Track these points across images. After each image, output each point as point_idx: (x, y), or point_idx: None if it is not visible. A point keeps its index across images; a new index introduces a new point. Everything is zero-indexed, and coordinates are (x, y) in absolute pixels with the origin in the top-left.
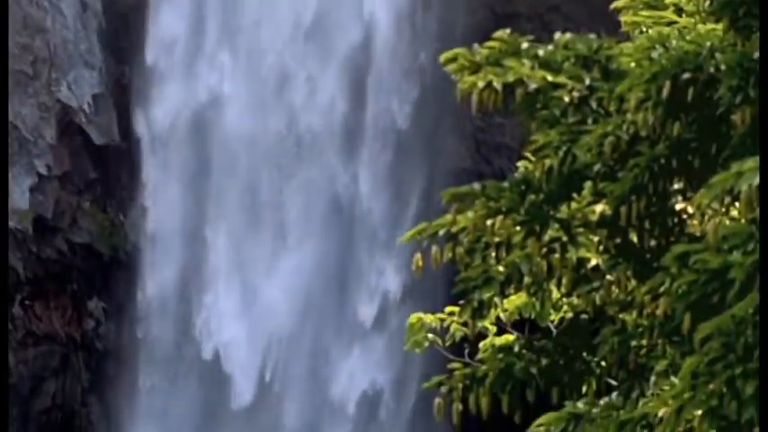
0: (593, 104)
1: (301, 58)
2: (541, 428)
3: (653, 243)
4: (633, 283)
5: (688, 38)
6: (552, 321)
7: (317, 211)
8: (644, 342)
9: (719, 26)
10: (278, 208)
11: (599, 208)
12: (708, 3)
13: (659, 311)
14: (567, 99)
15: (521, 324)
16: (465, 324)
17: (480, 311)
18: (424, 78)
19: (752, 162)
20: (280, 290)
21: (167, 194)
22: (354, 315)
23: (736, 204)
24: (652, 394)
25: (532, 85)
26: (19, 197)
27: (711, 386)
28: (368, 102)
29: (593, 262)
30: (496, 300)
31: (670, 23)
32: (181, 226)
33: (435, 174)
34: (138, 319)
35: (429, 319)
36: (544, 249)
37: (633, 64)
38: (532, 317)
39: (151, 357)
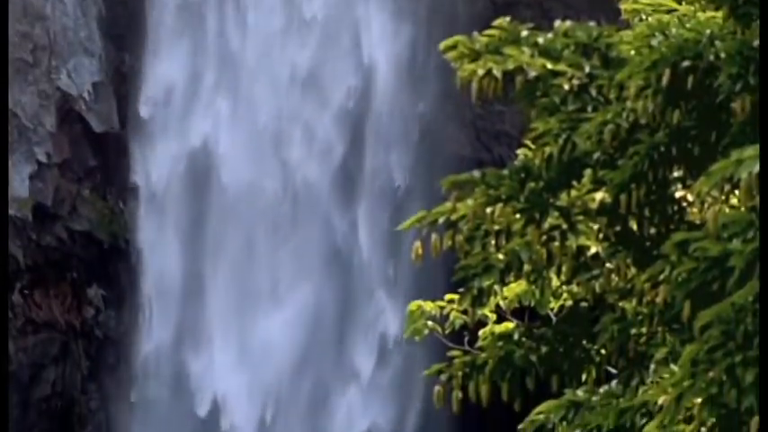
0: (593, 92)
1: (299, 106)
2: (541, 416)
3: (653, 231)
4: (633, 270)
5: (688, 26)
6: (552, 309)
7: (315, 262)
8: (644, 330)
9: (719, 14)
10: (275, 258)
11: (599, 196)
12: None
13: (659, 299)
14: (566, 87)
15: (520, 312)
16: (465, 312)
17: (480, 299)
18: (424, 126)
19: (751, 150)
20: (277, 340)
21: (164, 250)
22: (353, 364)
23: (736, 192)
24: (652, 382)
25: (532, 73)
26: (19, 185)
27: (711, 374)
28: (366, 150)
29: (593, 250)
30: (496, 287)
31: (670, 11)
32: (178, 280)
33: None
34: (132, 381)
35: (429, 306)
36: (544, 237)
37: (633, 52)
38: (532, 305)
39: (146, 418)
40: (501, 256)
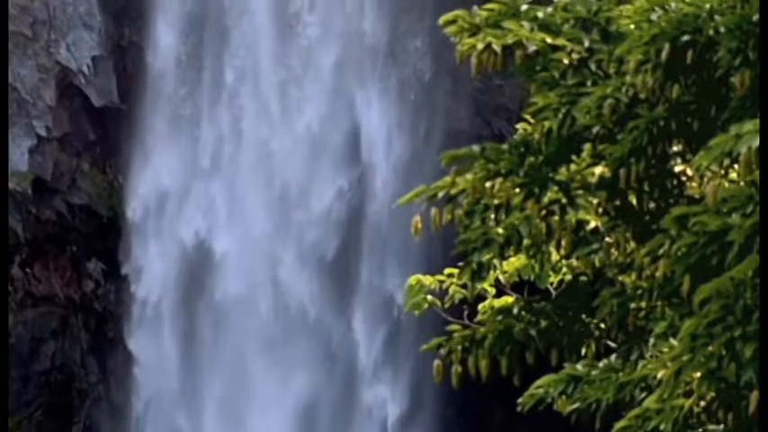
0: (593, 67)
1: (292, 214)
2: (540, 390)
3: (652, 205)
4: (632, 245)
5: (687, 0)
6: (551, 283)
7: (311, 363)
8: (643, 304)
9: None
10: (269, 370)
11: (598, 170)
12: None
13: (658, 273)
14: (566, 61)
15: (520, 286)
16: (464, 286)
17: (479, 273)
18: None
19: (751, 125)
20: None
21: (157, 362)
22: None
23: (736, 167)
24: (651, 356)
25: (532, 48)
26: (18, 159)
27: (710, 348)
28: (363, 258)
29: (593, 224)
30: (496, 262)
31: None
32: (172, 395)
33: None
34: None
35: (428, 281)
36: (543, 211)
37: (632, 26)
38: (532, 279)
39: None
40: (500, 231)
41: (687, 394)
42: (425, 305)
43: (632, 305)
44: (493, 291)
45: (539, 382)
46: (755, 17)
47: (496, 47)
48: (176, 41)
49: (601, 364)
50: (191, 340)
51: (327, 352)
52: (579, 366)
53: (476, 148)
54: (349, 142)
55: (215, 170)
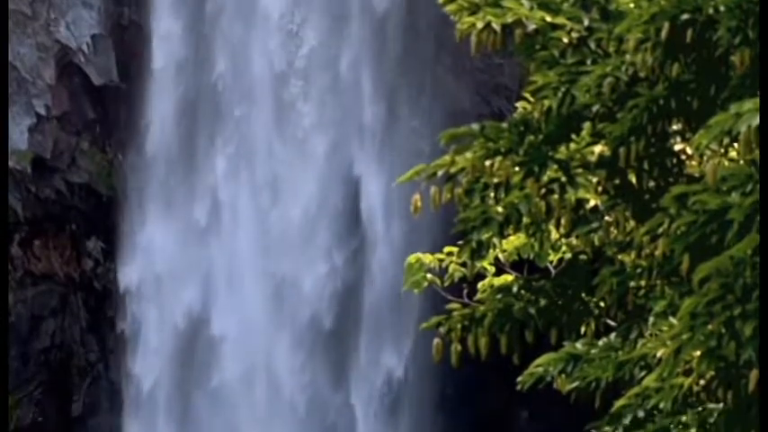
0: (592, 45)
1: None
2: (540, 369)
3: (652, 184)
4: (632, 223)
5: None
6: (551, 262)
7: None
8: (642, 283)
9: None
10: None
11: (598, 149)
12: None
13: (658, 252)
14: (565, 40)
15: (519, 265)
16: (464, 264)
17: (479, 252)
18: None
19: (751, 104)
20: None
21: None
22: None
23: (735, 145)
24: (651, 335)
25: (531, 26)
26: (18, 137)
27: (710, 327)
28: (361, 339)
29: (592, 203)
30: (495, 240)
31: None
32: None
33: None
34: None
35: (428, 259)
36: (543, 190)
37: (632, 5)
38: (531, 257)
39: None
40: (500, 209)
41: (687, 373)
42: (425, 283)
43: (632, 284)
44: (492, 269)
45: (538, 360)
46: None
47: (496, 26)
48: (175, 26)
49: (600, 343)
50: (186, 423)
51: (324, 429)
52: (579, 345)
53: (475, 126)
54: (346, 217)
55: (210, 248)
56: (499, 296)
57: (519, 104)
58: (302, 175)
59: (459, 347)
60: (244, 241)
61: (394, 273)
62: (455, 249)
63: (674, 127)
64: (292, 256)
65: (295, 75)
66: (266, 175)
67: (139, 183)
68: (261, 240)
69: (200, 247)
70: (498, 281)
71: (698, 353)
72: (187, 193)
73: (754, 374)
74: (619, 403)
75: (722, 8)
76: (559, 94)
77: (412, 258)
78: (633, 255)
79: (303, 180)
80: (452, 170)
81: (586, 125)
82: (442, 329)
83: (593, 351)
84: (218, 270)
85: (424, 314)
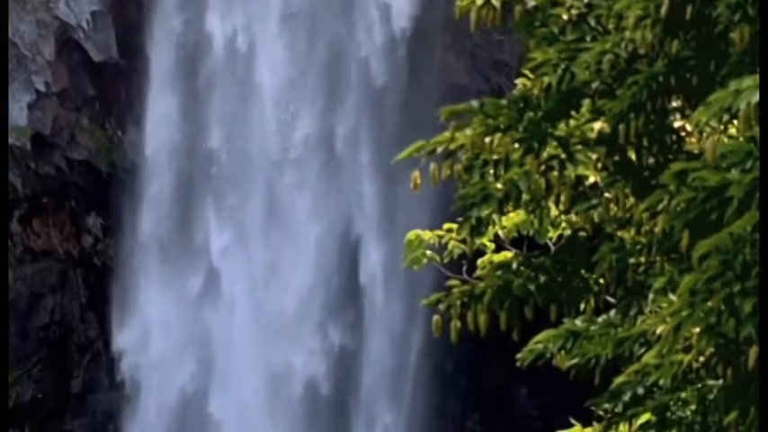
0: (592, 22)
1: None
2: (539, 345)
3: (651, 161)
4: (631, 200)
5: None
6: (551, 239)
7: None
8: (642, 259)
9: None
10: None
11: (597, 125)
12: None
13: (657, 229)
14: (565, 17)
15: (519, 241)
16: (463, 241)
17: (479, 228)
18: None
19: (750, 80)
20: None
21: None
22: None
23: (735, 122)
24: (650, 312)
25: (531, 3)
26: (17, 114)
27: (709, 303)
28: (360, 413)
29: (592, 179)
30: (495, 217)
31: None
32: None
33: None
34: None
35: (427, 236)
36: (542, 167)
37: None
38: (531, 234)
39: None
40: (499, 186)
41: (686, 349)
42: (424, 260)
43: (631, 260)
44: (492, 246)
45: (538, 337)
46: None
47: (496, 2)
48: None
49: (600, 320)
50: None
51: None
52: (578, 322)
53: (475, 103)
54: (342, 292)
55: (206, 331)
56: (499, 273)
57: (518, 81)
58: (298, 259)
59: (458, 324)
60: (239, 327)
61: (393, 340)
62: (454, 226)
63: (674, 104)
64: (288, 338)
65: (290, 164)
66: (262, 258)
67: (134, 262)
68: (256, 324)
69: (195, 328)
70: (498, 257)
71: (697, 330)
72: (182, 275)
73: (753, 351)
74: (618, 380)
75: None
76: (559, 71)
77: (411, 235)
78: (633, 231)
79: (299, 263)
80: (452, 147)
81: (586, 102)
82: (441, 306)
83: (592, 328)
84: (214, 352)
85: (420, 383)
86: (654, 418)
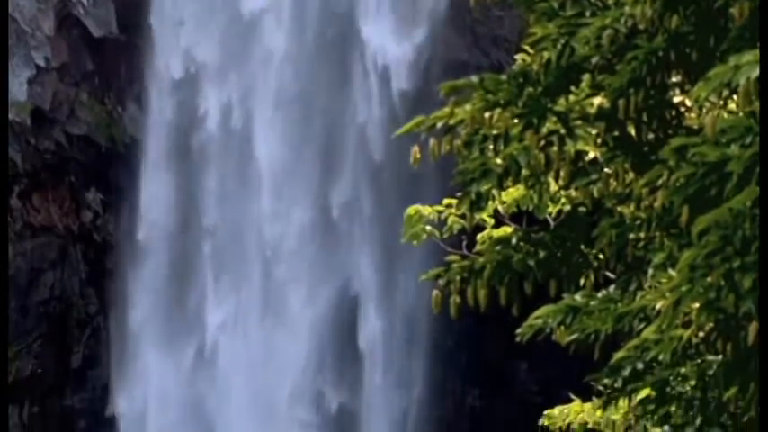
0: None
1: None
2: (539, 320)
3: (651, 136)
4: (631, 175)
5: None
6: (550, 214)
7: None
8: (642, 235)
9: None
10: None
11: (597, 101)
12: None
13: (657, 204)
14: None
15: (518, 216)
16: (463, 216)
17: (478, 204)
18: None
19: (750, 55)
20: None
21: None
22: None
23: (734, 97)
24: (650, 287)
25: None
26: (17, 89)
27: (709, 279)
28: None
29: (591, 155)
30: (494, 192)
31: None
32: None
33: None
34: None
35: (427, 211)
36: (542, 142)
37: None
38: (530, 209)
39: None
40: (499, 161)
41: (686, 325)
42: (424, 235)
43: (631, 236)
44: (491, 221)
45: (537, 312)
46: None
47: None
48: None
49: (599, 295)
50: None
51: None
52: (578, 297)
53: (474, 78)
54: (343, 360)
55: (201, 410)
56: (498, 248)
57: (518, 56)
58: (294, 338)
59: (458, 299)
60: (235, 406)
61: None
62: (454, 201)
63: (674, 79)
64: (286, 413)
65: (285, 257)
66: (257, 337)
67: (129, 345)
68: (253, 401)
69: (191, 402)
70: (497, 233)
71: (697, 305)
72: (178, 352)
73: (753, 326)
74: (618, 355)
75: None
76: (559, 46)
77: (411, 210)
78: (632, 207)
79: (296, 342)
80: (452, 122)
81: (585, 77)
82: (441, 281)
83: (592, 303)
84: (211, 427)
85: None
86: (653, 394)
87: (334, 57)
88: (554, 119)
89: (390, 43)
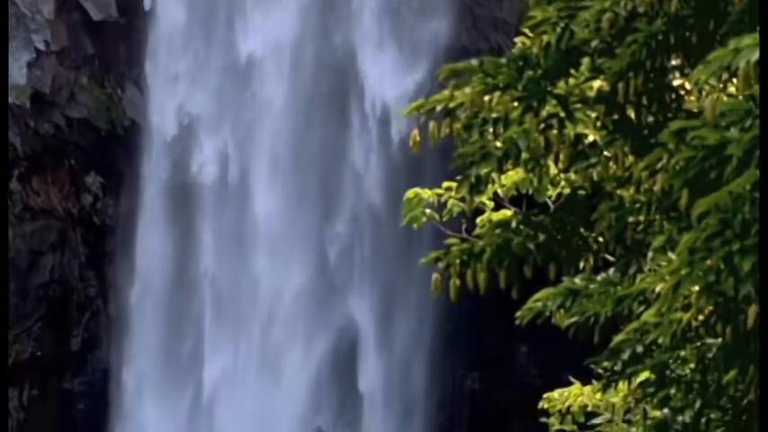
0: None
1: None
2: (539, 304)
3: (650, 119)
4: (631, 158)
5: None
6: (550, 197)
7: None
8: (641, 218)
9: None
10: None
11: (596, 84)
12: None
13: (657, 187)
14: None
15: (518, 200)
16: (462, 199)
17: (478, 187)
18: None
19: (750, 39)
20: None
21: None
22: None
23: (734, 81)
24: (649, 270)
25: None
26: (17, 72)
27: (709, 262)
28: None
29: (591, 138)
30: (494, 175)
31: None
32: None
33: None
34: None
35: (426, 194)
36: (542, 125)
37: None
38: (530, 192)
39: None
40: (499, 144)
41: (685, 308)
42: (423, 219)
43: (630, 219)
44: (491, 204)
45: (537, 295)
46: None
47: None
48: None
49: (599, 278)
50: None
51: None
52: (577, 280)
53: (474, 62)
54: (345, 398)
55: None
56: (498, 231)
57: (518, 40)
58: (291, 395)
59: (457, 282)
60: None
61: None
62: (454, 184)
63: (673, 62)
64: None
65: (282, 314)
66: (255, 390)
67: (125, 402)
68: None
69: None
70: (497, 216)
71: (696, 288)
72: (174, 404)
73: (752, 310)
74: (618, 338)
75: None
76: (558, 30)
77: (410, 193)
78: (632, 190)
79: (293, 399)
80: (451, 105)
81: (585, 60)
82: (440, 264)
83: (591, 286)
84: None
85: None
86: (653, 377)
87: (332, 103)
88: (554, 102)
89: (390, 84)
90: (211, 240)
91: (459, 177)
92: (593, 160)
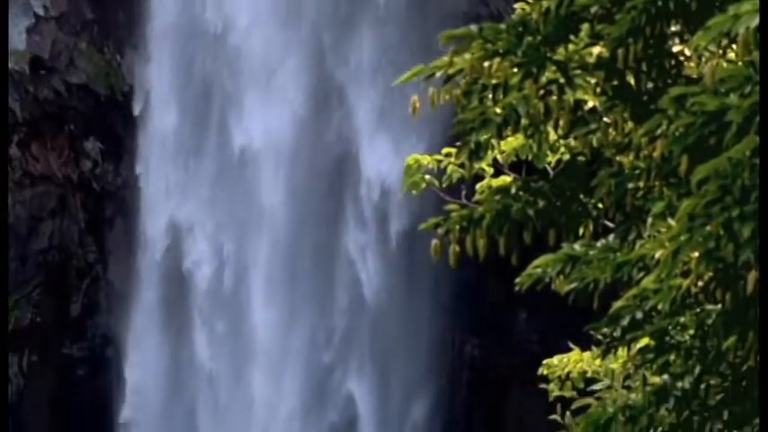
0: None
1: None
2: (538, 270)
3: (650, 85)
4: (630, 125)
5: None
6: (549, 163)
7: None
8: (641, 184)
9: None
10: None
11: (596, 50)
12: None
13: (656, 153)
14: None
15: (518, 166)
16: (462, 165)
17: (477, 153)
18: None
19: (749, 5)
20: None
21: None
22: None
23: (734, 47)
24: (649, 236)
25: None
26: (16, 38)
27: (708, 228)
28: None
29: (591, 104)
30: (493, 141)
31: None
32: None
33: None
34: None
35: (426, 160)
36: (541, 91)
37: None
38: (529, 158)
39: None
40: (498, 110)
41: (685, 274)
42: (423, 185)
43: (630, 185)
44: (491, 170)
45: (536, 261)
46: None
47: None
48: None
49: (599, 244)
50: None
51: None
52: (577, 246)
53: (474, 28)
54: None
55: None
56: (497, 197)
57: (517, 6)
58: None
59: (457, 248)
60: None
61: None
62: (453, 150)
63: (673, 28)
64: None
65: (281, 419)
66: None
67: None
68: None
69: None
70: (497, 182)
71: (696, 254)
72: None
73: (752, 276)
74: (617, 304)
75: None
76: None
77: (410, 159)
78: (631, 156)
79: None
80: (451, 71)
81: (585, 26)
82: (440, 230)
83: (591, 252)
84: None
85: None
86: (652, 343)
87: (329, 194)
88: (553, 68)
89: (388, 169)
90: (206, 348)
91: (458, 143)
92: (593, 126)
